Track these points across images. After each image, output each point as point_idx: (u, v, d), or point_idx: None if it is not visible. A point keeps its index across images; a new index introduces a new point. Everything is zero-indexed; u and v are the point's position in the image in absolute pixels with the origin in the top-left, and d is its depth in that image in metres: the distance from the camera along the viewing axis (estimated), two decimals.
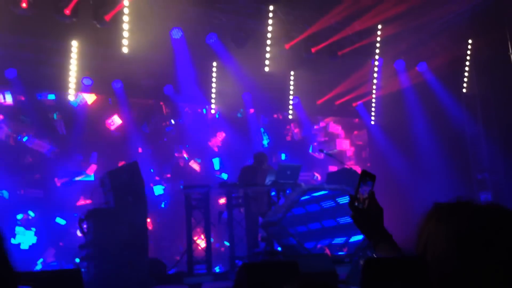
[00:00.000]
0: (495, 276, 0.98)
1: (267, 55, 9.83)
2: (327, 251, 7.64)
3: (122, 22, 8.60)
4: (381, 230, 1.65)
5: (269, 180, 7.64)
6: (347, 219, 7.69)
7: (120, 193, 6.31)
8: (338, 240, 7.71)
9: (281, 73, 10.89)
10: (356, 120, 13.03)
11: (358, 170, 9.58)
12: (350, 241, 7.69)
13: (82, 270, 5.12)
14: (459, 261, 1.00)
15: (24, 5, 7.64)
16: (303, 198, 7.50)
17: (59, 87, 9.80)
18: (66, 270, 4.77)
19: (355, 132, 13.39)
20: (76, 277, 4.42)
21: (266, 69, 9.95)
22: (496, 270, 0.99)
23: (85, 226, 6.32)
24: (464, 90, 10.68)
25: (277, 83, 11.28)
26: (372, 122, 12.14)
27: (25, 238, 9.41)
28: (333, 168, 11.51)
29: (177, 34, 9.37)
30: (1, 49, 8.79)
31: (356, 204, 1.68)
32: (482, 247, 1.01)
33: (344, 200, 7.61)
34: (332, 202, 7.82)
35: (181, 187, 8.94)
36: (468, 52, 10.55)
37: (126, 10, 8.52)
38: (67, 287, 4.29)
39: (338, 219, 7.76)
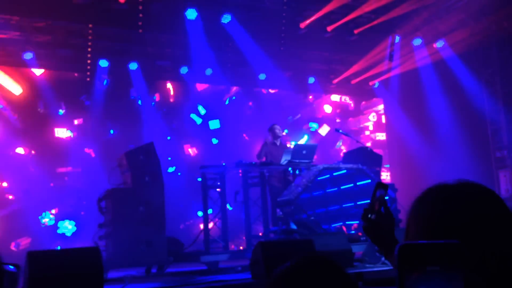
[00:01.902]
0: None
1: (283, 35, 9.76)
2: (344, 229, 7.67)
3: (137, 2, 8.61)
4: (392, 240, 1.63)
5: (285, 159, 7.66)
6: (363, 199, 7.70)
7: (137, 173, 6.40)
8: (354, 222, 7.73)
9: (296, 52, 10.81)
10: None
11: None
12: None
13: (101, 248, 5.23)
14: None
15: None
16: (320, 178, 7.51)
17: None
18: (86, 248, 4.90)
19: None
20: (96, 255, 4.54)
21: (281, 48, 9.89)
22: (471, 253, 0.96)
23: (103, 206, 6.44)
24: (483, 67, 10.48)
25: (293, 63, 11.21)
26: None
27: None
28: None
29: (192, 14, 9.34)
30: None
31: (370, 215, 1.67)
32: (454, 229, 0.99)
33: (363, 182, 7.60)
34: (352, 185, 7.81)
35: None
36: (488, 27, 10.32)
37: None
38: (87, 264, 4.42)
39: (357, 202, 7.76)
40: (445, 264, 0.73)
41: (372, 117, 13.11)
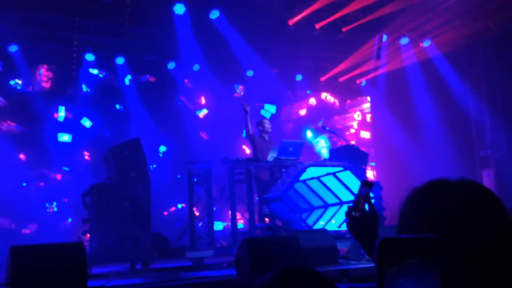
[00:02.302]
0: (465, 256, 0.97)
1: (271, 32, 9.76)
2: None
3: None
4: (375, 237, 1.62)
5: (271, 156, 7.67)
6: (349, 196, 7.75)
7: (122, 168, 6.36)
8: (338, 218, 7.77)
9: (284, 49, 10.82)
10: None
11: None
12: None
13: (85, 243, 5.19)
14: None
15: None
16: (305, 175, 7.53)
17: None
18: (70, 243, 4.86)
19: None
20: (80, 250, 4.51)
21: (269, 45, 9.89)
22: (465, 250, 0.98)
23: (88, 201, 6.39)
24: (469, 67, 10.59)
25: (281, 60, 11.22)
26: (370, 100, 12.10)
27: None
28: None
29: (180, 9, 9.29)
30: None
31: (353, 213, 1.67)
32: (452, 226, 1.00)
33: (345, 176, 7.64)
34: (334, 179, 7.85)
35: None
36: (474, 27, 10.42)
37: None
38: (71, 259, 4.38)
39: (340, 196, 7.81)
40: (424, 257, 0.74)
41: (357, 115, 13.22)
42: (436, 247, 0.76)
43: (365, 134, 13.14)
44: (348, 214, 1.68)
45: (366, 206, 1.67)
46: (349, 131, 13.11)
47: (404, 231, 1.07)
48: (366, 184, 1.69)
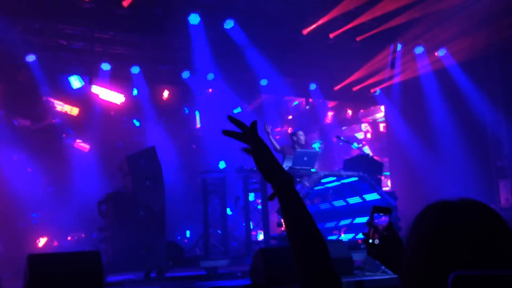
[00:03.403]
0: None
1: (285, 41, 9.78)
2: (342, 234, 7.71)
3: (140, 7, 8.63)
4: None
5: (286, 165, 7.65)
6: (355, 199, 7.75)
7: (138, 177, 6.41)
8: (344, 222, 7.77)
9: (298, 58, 10.83)
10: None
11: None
12: (354, 222, 7.73)
13: (101, 251, 5.22)
14: (428, 267, 0.96)
15: None
16: (319, 185, 7.52)
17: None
18: (86, 252, 4.89)
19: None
20: (96, 258, 4.54)
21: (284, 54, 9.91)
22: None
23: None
24: (485, 76, 10.50)
25: (295, 69, 11.23)
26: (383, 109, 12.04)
27: None
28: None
29: (195, 19, 9.35)
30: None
31: (371, 241, 1.63)
32: (450, 248, 0.95)
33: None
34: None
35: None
36: (490, 37, 10.34)
37: None
38: (88, 268, 4.41)
39: (346, 199, 7.83)
40: None
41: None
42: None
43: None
44: (365, 241, 1.63)
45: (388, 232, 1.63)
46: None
47: (408, 255, 1.03)
48: (382, 211, 1.65)
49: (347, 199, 7.99)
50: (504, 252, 0.94)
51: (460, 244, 0.95)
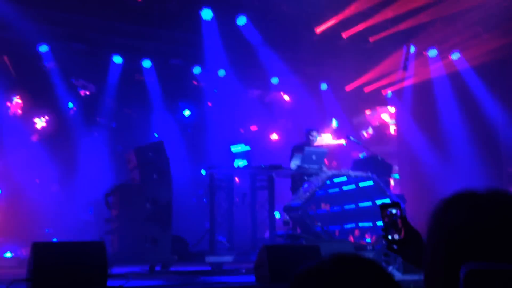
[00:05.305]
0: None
1: (297, 39, 9.73)
2: (351, 239, 7.61)
3: (153, 1, 8.63)
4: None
5: (294, 164, 7.61)
6: (368, 203, 7.66)
7: (145, 170, 6.39)
8: (364, 224, 7.68)
9: (310, 57, 10.78)
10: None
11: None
12: (377, 224, 7.61)
13: (107, 243, 5.20)
14: (456, 260, 0.91)
15: None
16: (327, 184, 7.46)
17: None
18: (91, 241, 4.88)
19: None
20: (101, 249, 4.51)
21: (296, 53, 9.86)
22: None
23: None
24: (498, 81, 10.38)
25: (306, 68, 11.18)
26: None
27: None
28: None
29: (207, 15, 9.32)
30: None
31: (390, 237, 1.62)
32: (477, 239, 0.92)
33: (365, 183, 7.55)
34: (354, 185, 7.77)
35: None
36: (504, 42, 10.22)
37: None
38: (92, 258, 4.39)
39: (359, 202, 7.75)
40: None
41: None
42: None
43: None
44: (385, 237, 1.62)
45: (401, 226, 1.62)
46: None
47: (430, 246, 1.00)
48: (389, 206, 1.65)
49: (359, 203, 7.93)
50: None
51: (492, 236, 0.92)
